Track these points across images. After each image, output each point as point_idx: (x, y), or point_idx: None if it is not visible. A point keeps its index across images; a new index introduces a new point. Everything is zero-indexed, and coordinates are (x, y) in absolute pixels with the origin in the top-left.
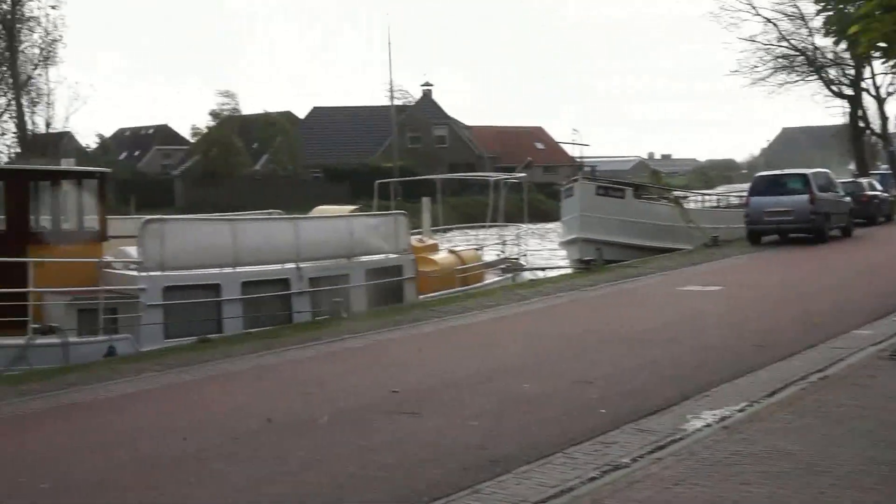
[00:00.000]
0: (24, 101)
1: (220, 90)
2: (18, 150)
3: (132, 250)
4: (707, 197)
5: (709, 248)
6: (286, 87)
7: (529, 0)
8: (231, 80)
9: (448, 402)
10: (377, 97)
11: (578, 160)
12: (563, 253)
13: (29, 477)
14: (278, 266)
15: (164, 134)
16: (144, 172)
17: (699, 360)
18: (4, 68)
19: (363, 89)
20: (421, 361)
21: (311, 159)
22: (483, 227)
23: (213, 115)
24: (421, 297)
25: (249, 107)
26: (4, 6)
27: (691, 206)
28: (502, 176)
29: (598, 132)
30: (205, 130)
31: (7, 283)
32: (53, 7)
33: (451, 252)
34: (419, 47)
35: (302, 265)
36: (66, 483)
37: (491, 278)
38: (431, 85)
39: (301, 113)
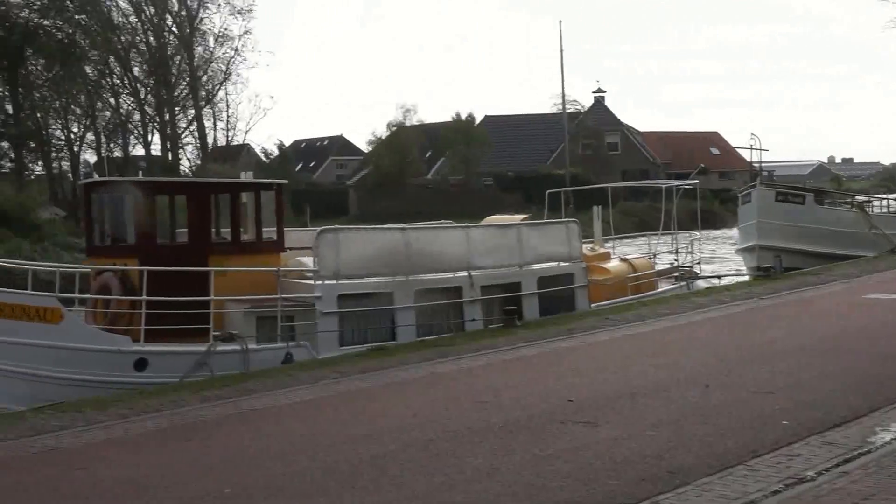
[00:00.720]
0: (207, 116)
1: (399, 103)
2: (199, 161)
3: (308, 260)
4: (891, 202)
5: (894, 254)
6: (457, 97)
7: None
8: (404, 91)
9: (624, 411)
10: (548, 105)
11: (756, 165)
12: (740, 260)
13: (213, 481)
14: (450, 274)
15: (338, 145)
16: (320, 183)
17: (886, 371)
18: (185, 84)
19: (534, 97)
20: (596, 370)
21: (482, 168)
22: (656, 234)
23: (390, 125)
24: (593, 305)
25: (423, 116)
26: (185, 29)
27: (874, 211)
28: (675, 183)
29: (777, 138)
30: (381, 139)
31: (191, 292)
32: (226, 29)
33: (624, 260)
34: (591, 53)
35: (474, 273)
36: (247, 489)
37: (664, 286)
38: (604, 91)
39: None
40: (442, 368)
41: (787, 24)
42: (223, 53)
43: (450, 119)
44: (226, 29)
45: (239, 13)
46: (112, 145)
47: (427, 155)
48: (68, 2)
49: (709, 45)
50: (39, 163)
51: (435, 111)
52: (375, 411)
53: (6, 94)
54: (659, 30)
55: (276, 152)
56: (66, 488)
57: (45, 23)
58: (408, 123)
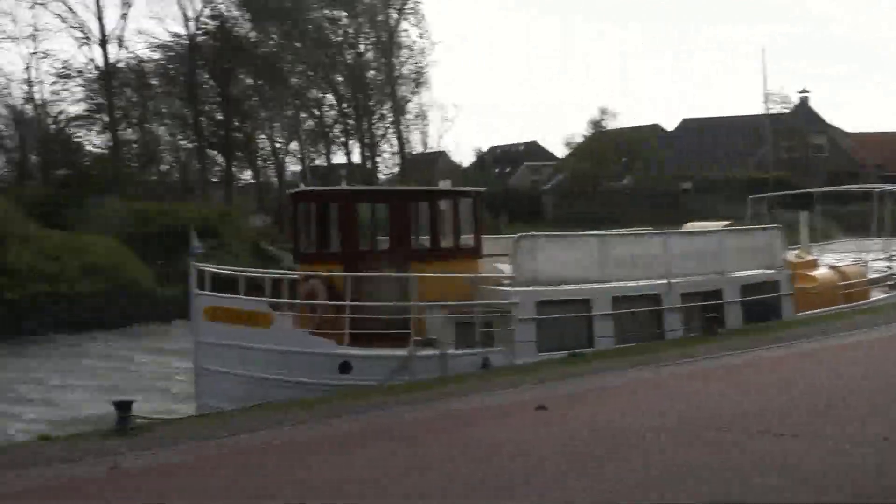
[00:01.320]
0: (402, 124)
1: (597, 106)
2: (397, 169)
3: (505, 266)
4: None
5: None
6: (657, 100)
7: None
8: (601, 95)
9: (836, 423)
10: (752, 106)
11: None
12: None
13: (414, 482)
14: (649, 282)
15: (533, 150)
16: (515, 188)
17: None
18: (386, 93)
19: (738, 98)
20: (804, 380)
21: (680, 172)
22: (867, 241)
23: (587, 129)
24: (800, 314)
25: (622, 121)
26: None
27: None
28: (887, 187)
29: None
30: (577, 143)
31: (391, 298)
32: (421, 36)
33: (832, 268)
34: (800, 52)
35: (673, 281)
36: (446, 490)
37: (878, 295)
38: (808, 91)
39: (670, 125)
40: (642, 376)
41: None
42: (418, 63)
43: (646, 123)
44: (420, 36)
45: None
46: (315, 154)
47: (623, 159)
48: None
49: None
50: (248, 172)
51: (631, 115)
52: (571, 417)
53: (217, 105)
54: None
55: (473, 159)
56: (271, 487)
57: (253, 36)
58: (604, 128)
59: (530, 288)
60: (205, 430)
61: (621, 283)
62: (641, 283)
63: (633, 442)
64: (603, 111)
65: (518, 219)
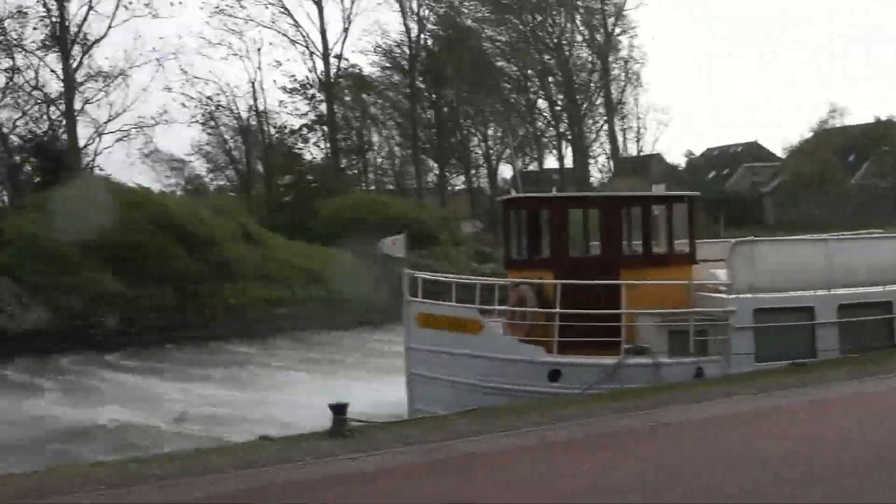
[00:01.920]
0: (616, 126)
1: (823, 105)
2: (610, 173)
3: (721, 272)
4: None
5: None
6: (886, 96)
7: None
8: (826, 93)
9: None
10: None
11: None
12: None
13: (623, 492)
14: (879, 288)
15: (753, 151)
16: (733, 191)
17: None
18: (599, 96)
19: None
20: None
21: None
22: None
23: (813, 129)
24: None
25: (853, 118)
26: (598, 39)
27: None
28: None
29: None
30: (799, 144)
31: (602, 305)
32: (633, 38)
33: None
34: None
35: None
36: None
37: None
38: None
39: None
40: (868, 388)
41: None
42: (632, 66)
43: (873, 120)
44: (633, 38)
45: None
46: (527, 160)
47: (850, 159)
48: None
49: None
50: (461, 177)
51: (858, 112)
52: (789, 432)
53: (432, 112)
54: None
55: (685, 163)
56: (483, 493)
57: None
58: (830, 126)
59: (748, 295)
60: (418, 435)
61: (848, 290)
62: (871, 289)
63: (865, 457)
64: (832, 108)
65: (737, 223)
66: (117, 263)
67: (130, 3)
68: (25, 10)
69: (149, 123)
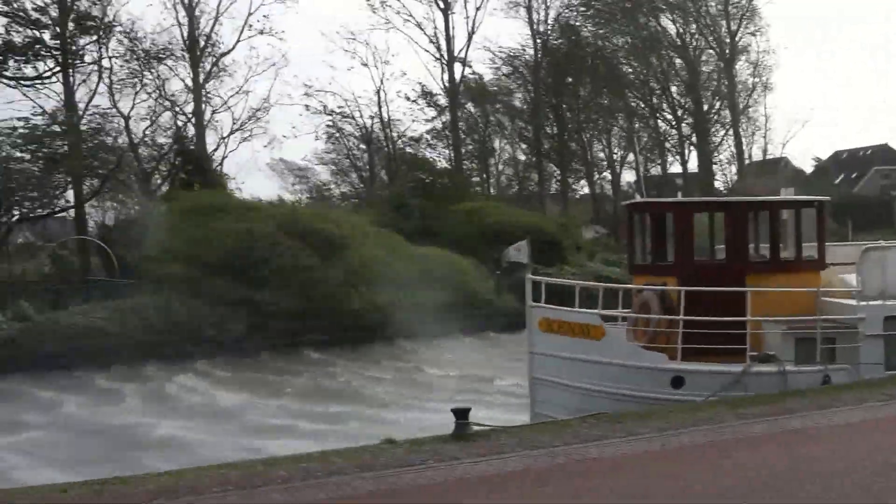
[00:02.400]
0: (742, 132)
1: None
2: (736, 177)
3: (851, 278)
4: None
5: None
6: None
7: None
8: None
9: None
10: None
11: None
12: None
13: (750, 500)
14: None
15: (883, 154)
16: (862, 195)
17: None
18: (724, 100)
19: None
20: None
21: None
22: None
23: None
24: None
25: None
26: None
27: None
28: None
29: None
30: None
31: (727, 311)
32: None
33: None
34: None
35: None
36: None
37: None
38: None
39: None
40: None
41: None
42: (759, 69)
43: None
44: (760, 42)
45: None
46: (650, 165)
47: None
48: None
49: None
50: (583, 183)
51: None
52: None
53: (554, 117)
54: None
55: (813, 166)
56: (605, 498)
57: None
58: None
59: (878, 302)
60: (541, 439)
61: None
62: None
63: None
64: None
65: (866, 227)
66: (244, 269)
67: (255, 23)
68: (163, 29)
69: (273, 135)
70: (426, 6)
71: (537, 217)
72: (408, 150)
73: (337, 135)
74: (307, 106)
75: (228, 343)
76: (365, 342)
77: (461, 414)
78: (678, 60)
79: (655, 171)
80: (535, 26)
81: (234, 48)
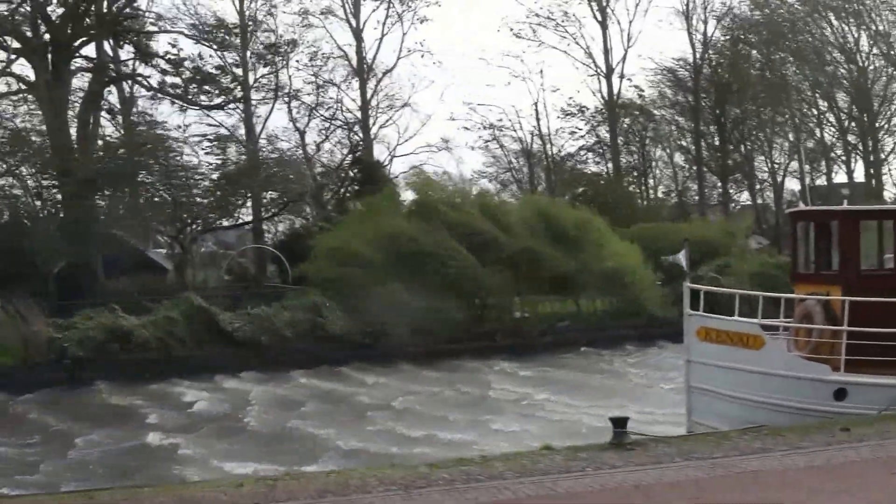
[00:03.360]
0: None
1: None
2: None
3: None
4: None
5: None
6: None
7: None
8: None
9: None
10: None
11: None
12: None
13: None
14: None
15: None
16: None
17: None
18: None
19: None
20: None
21: None
22: None
23: None
24: None
25: None
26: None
27: None
28: None
29: None
30: None
31: (894, 322)
32: None
33: None
34: None
35: None
36: None
37: None
38: None
39: None
40: None
41: None
42: None
43: None
44: None
45: None
46: (815, 174)
47: None
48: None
49: None
50: (745, 194)
51: None
52: None
53: (715, 128)
54: None
55: None
56: None
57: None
58: None
59: None
60: (699, 449)
61: None
62: None
63: None
64: None
65: None
66: (412, 274)
67: (413, 45)
68: (329, 54)
69: (437, 147)
70: (577, 21)
71: (700, 225)
72: (567, 162)
73: (496, 147)
74: (468, 118)
75: (392, 346)
76: (529, 351)
77: (619, 423)
78: (846, 68)
79: (820, 181)
80: (694, 35)
81: (394, 66)
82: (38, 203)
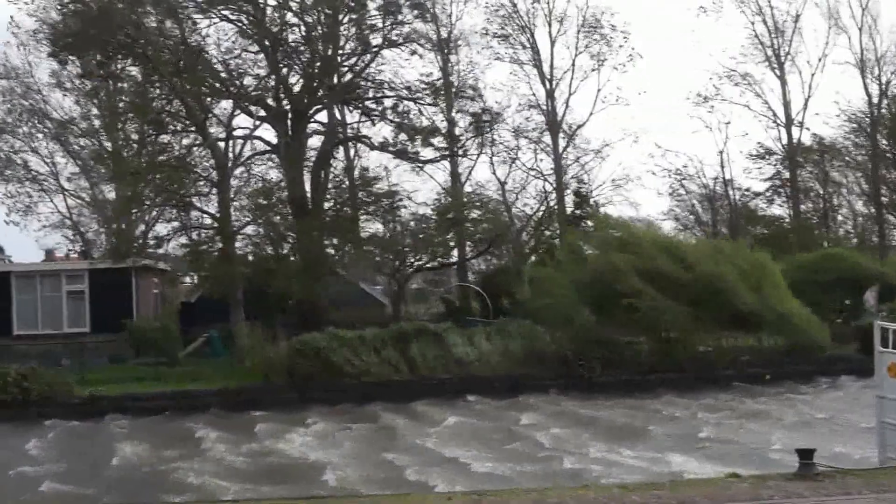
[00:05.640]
0: None
1: None
2: None
3: None
4: None
5: None
6: None
7: None
8: None
9: None
10: None
11: None
12: None
13: None
14: None
15: None
16: None
17: None
18: None
19: None
20: None
21: None
22: None
23: None
24: None
25: None
26: None
27: None
28: None
29: None
30: None
31: None
32: None
33: None
34: None
35: None
36: None
37: None
38: None
39: None
40: None
41: None
42: None
43: None
44: None
45: None
46: None
47: None
48: None
49: None
50: None
51: None
52: None
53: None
54: None
55: None
56: None
57: None
58: None
59: None
60: (889, 483)
61: None
62: None
63: None
64: None
65: None
66: (602, 307)
67: (605, 98)
68: (525, 108)
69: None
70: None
71: (883, 264)
72: (750, 202)
73: (682, 192)
74: (656, 165)
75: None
76: (712, 383)
77: (805, 454)
78: None
79: None
80: (867, 83)
81: (587, 121)
82: (282, 247)
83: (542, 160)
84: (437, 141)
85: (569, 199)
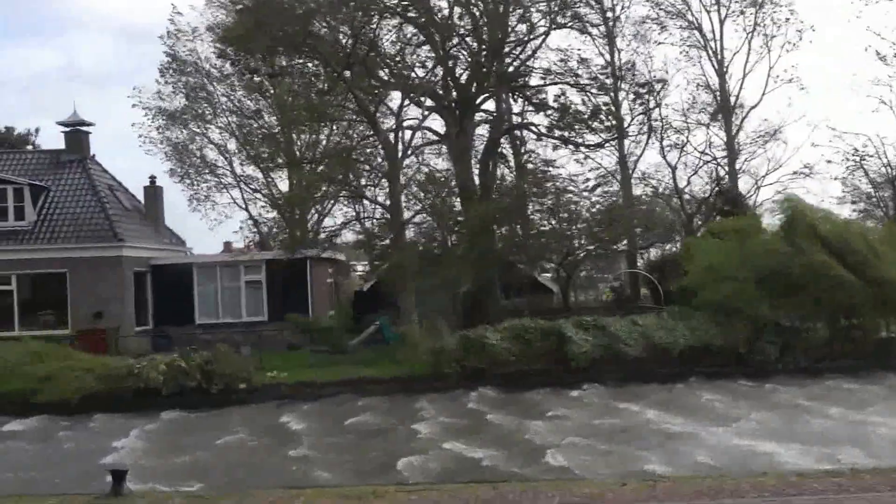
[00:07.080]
0: None
1: None
2: None
3: None
4: None
5: None
6: None
7: None
8: None
9: None
10: None
11: None
12: None
13: None
14: None
15: None
16: None
17: None
18: None
19: None
20: None
21: None
22: None
23: None
24: None
25: None
26: None
27: None
28: None
29: None
30: None
31: None
32: None
33: None
34: None
35: None
36: None
37: None
38: None
39: None
40: None
41: None
42: None
43: None
44: None
45: None
46: None
47: None
48: None
49: None
50: None
51: None
52: None
53: None
54: None
55: None
56: None
57: None
58: None
59: None
60: None
61: None
62: None
63: None
64: None
65: None
66: (777, 292)
67: (778, 76)
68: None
69: (801, 173)
70: None
71: None
72: None
73: (862, 176)
74: (830, 151)
75: (764, 362)
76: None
77: None
78: None
79: None
80: None
81: (759, 102)
82: (451, 236)
83: (712, 143)
84: (603, 123)
85: (741, 183)
